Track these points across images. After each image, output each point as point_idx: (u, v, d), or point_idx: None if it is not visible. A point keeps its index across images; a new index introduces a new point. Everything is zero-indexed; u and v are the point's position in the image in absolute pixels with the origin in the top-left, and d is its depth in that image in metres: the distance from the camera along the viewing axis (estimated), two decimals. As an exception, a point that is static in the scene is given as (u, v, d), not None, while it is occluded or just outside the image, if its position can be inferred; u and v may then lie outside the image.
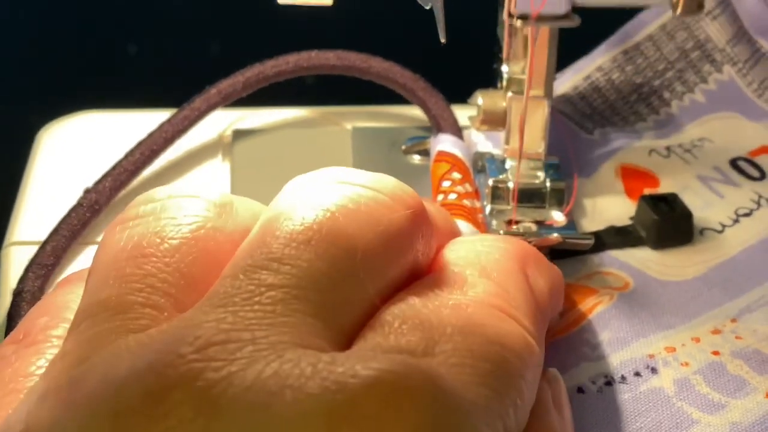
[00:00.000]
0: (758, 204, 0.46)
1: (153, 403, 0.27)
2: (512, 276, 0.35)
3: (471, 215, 0.44)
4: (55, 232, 0.46)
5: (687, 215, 0.45)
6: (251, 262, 0.31)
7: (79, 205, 0.47)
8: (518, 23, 0.41)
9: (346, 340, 0.31)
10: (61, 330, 0.35)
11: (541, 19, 0.41)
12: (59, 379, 0.29)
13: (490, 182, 0.45)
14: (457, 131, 0.50)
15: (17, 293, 0.43)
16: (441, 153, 0.48)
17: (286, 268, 0.30)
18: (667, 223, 0.44)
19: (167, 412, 0.27)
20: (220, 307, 0.29)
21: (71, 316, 0.35)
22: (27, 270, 0.44)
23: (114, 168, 0.49)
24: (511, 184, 0.45)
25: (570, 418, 0.35)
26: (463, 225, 0.43)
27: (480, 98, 0.46)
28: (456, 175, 0.46)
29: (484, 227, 0.44)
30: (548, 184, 0.45)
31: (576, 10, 0.42)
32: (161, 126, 0.50)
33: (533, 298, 0.35)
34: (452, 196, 0.45)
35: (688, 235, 0.45)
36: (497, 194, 0.45)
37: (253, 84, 0.51)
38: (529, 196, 0.45)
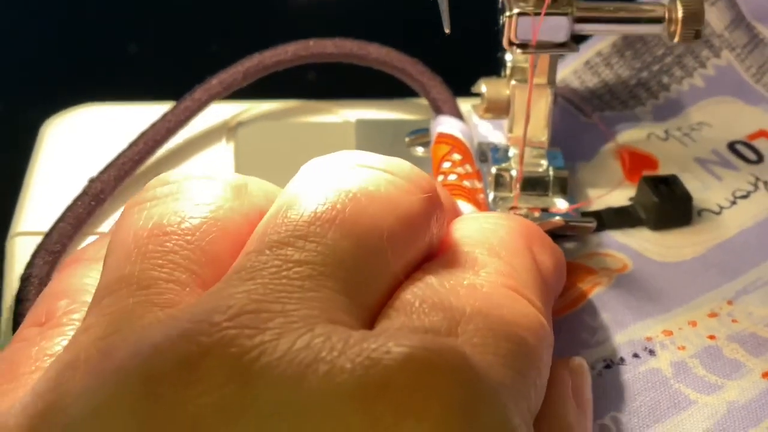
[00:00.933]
0: (756, 186, 0.47)
1: (186, 369, 0.27)
2: (520, 254, 0.35)
3: (471, 195, 0.45)
4: (61, 219, 0.46)
5: (687, 197, 0.45)
6: (276, 238, 0.31)
7: (84, 193, 0.48)
8: (518, 51, 0.41)
9: (370, 318, 0.31)
10: (82, 314, 0.35)
11: (541, 46, 0.41)
12: (88, 350, 0.29)
13: (493, 170, 0.45)
14: (457, 113, 0.50)
15: (25, 278, 0.43)
16: (441, 135, 0.48)
17: (312, 246, 0.31)
18: (667, 205, 0.45)
19: (200, 377, 0.27)
20: (249, 280, 0.30)
21: (89, 299, 0.36)
22: (34, 256, 0.45)
23: (118, 158, 0.49)
24: (514, 172, 0.45)
25: (590, 414, 0.36)
26: (463, 205, 0.44)
27: (483, 86, 0.46)
28: (456, 156, 0.47)
29: (485, 207, 0.45)
30: (551, 172, 0.45)
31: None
32: (164, 116, 0.51)
33: (540, 276, 0.36)
34: (452, 177, 0.46)
35: (687, 217, 0.45)
36: (500, 182, 0.45)
37: (253, 74, 0.51)
38: (533, 184, 0.45)
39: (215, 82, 0.51)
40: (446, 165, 0.47)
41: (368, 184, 0.33)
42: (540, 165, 0.45)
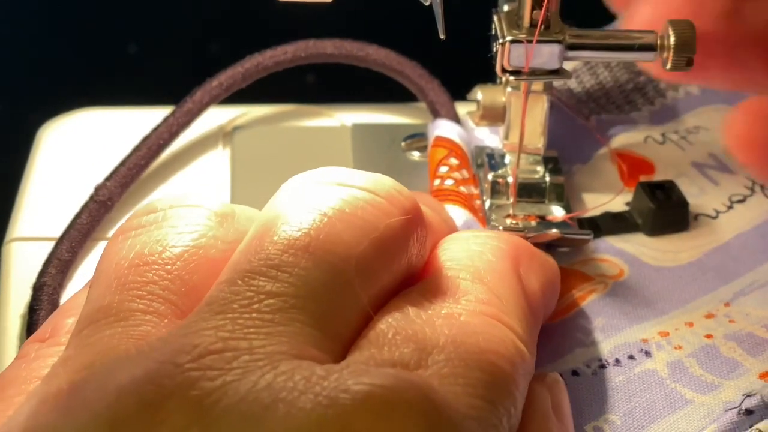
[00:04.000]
0: (752, 191, 0.48)
1: (149, 412, 0.28)
2: (505, 279, 0.35)
3: (467, 202, 0.45)
4: (71, 227, 0.47)
5: (683, 203, 0.46)
6: (249, 267, 0.32)
7: (91, 200, 0.48)
8: (511, 78, 0.42)
9: (342, 349, 0.31)
10: None
11: (534, 73, 0.42)
12: (60, 383, 0.30)
13: (490, 177, 0.45)
14: (455, 116, 0.51)
15: (38, 287, 0.44)
16: (438, 138, 0.49)
17: (284, 276, 0.31)
18: (664, 211, 0.46)
19: (162, 420, 0.28)
20: (219, 314, 0.30)
21: None
22: (46, 265, 0.45)
23: (123, 163, 0.50)
24: (510, 179, 0.45)
25: (571, 428, 0.36)
26: (458, 212, 0.44)
27: (479, 93, 0.47)
28: (453, 161, 0.47)
29: (480, 213, 0.45)
30: (547, 178, 0.45)
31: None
32: (166, 119, 0.51)
33: (525, 301, 0.36)
34: (448, 182, 0.46)
35: (684, 223, 0.46)
36: (497, 189, 0.46)
37: (252, 74, 0.52)
38: (529, 191, 0.45)
39: (215, 83, 0.51)
40: (443, 169, 0.47)
41: (345, 204, 0.33)
42: (536, 172, 0.46)
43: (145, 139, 0.51)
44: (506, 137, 0.46)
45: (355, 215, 0.33)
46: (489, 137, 0.50)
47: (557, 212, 0.45)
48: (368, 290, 0.32)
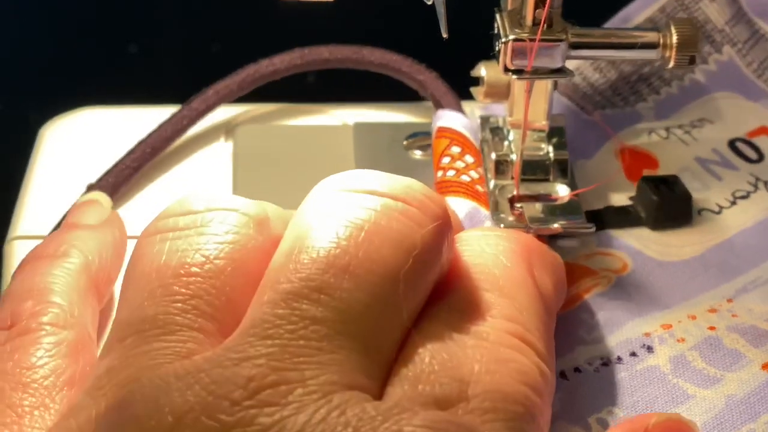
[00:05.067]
0: (755, 187, 0.48)
1: None
2: (523, 287, 0.36)
3: (470, 191, 0.45)
4: (59, 225, 0.46)
5: (687, 197, 0.46)
6: (290, 288, 0.32)
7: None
8: (513, 78, 0.42)
9: (385, 370, 0.32)
10: (51, 316, 0.36)
11: (536, 72, 0.42)
12: (108, 400, 0.31)
13: (493, 156, 0.45)
14: (456, 104, 0.51)
15: None
16: (440, 129, 0.49)
17: (327, 299, 0.32)
18: (667, 204, 0.46)
19: None
20: (267, 339, 0.31)
21: (57, 300, 0.37)
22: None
23: (116, 165, 0.50)
24: (514, 157, 0.45)
25: None
26: (461, 203, 0.45)
27: (483, 69, 0.47)
28: (455, 150, 0.47)
29: (483, 197, 0.45)
30: (552, 155, 0.45)
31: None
32: (161, 125, 0.52)
33: (542, 305, 0.36)
34: (450, 173, 0.46)
35: (687, 217, 0.46)
36: (500, 169, 0.46)
37: (249, 83, 0.52)
38: (533, 168, 0.46)
39: (211, 92, 0.52)
40: (445, 160, 0.47)
41: (380, 217, 0.33)
42: (540, 149, 0.46)
43: (140, 143, 0.51)
44: (510, 114, 0.46)
45: (391, 228, 0.33)
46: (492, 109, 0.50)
47: (562, 191, 0.45)
48: (408, 306, 0.33)
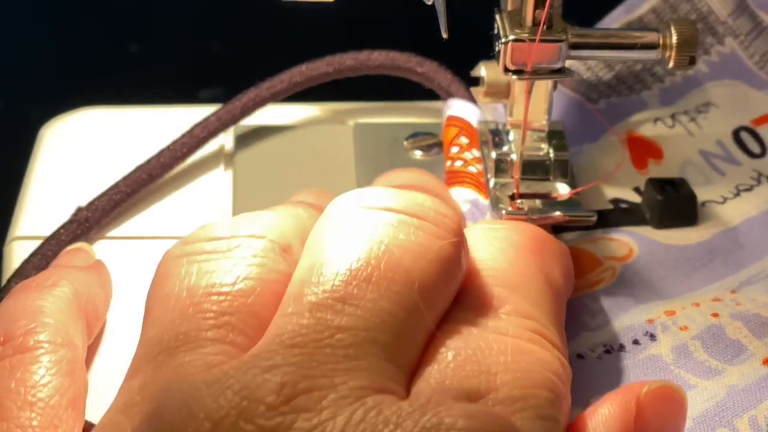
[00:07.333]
0: (758, 181, 0.48)
1: None
2: (533, 281, 0.37)
3: (477, 182, 0.46)
4: (42, 246, 0.46)
5: (692, 197, 0.46)
6: (315, 300, 0.33)
7: (69, 222, 0.47)
8: (513, 78, 0.42)
9: (410, 376, 0.33)
10: (47, 334, 0.37)
11: (536, 72, 0.42)
12: (142, 413, 0.31)
13: (493, 155, 0.46)
14: (465, 93, 0.51)
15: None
16: (450, 118, 0.50)
17: (351, 309, 0.32)
18: (671, 204, 0.46)
19: None
20: (294, 347, 0.31)
21: (50, 320, 0.37)
22: (9, 282, 0.44)
23: (110, 189, 0.49)
24: (514, 157, 0.45)
25: None
26: (467, 193, 0.45)
27: (483, 69, 0.47)
28: (463, 140, 0.48)
29: (485, 189, 0.46)
30: (552, 155, 0.45)
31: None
32: (160, 152, 0.51)
33: (553, 295, 0.37)
34: (458, 164, 0.47)
35: (692, 218, 0.46)
36: (501, 168, 0.46)
37: (250, 108, 0.52)
38: (533, 168, 0.46)
39: (213, 119, 0.51)
40: (454, 150, 0.48)
41: (398, 232, 0.34)
42: (540, 149, 0.46)
43: (137, 168, 0.50)
44: (510, 114, 0.46)
45: (411, 241, 0.34)
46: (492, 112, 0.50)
47: (562, 189, 0.46)
48: (432, 313, 0.34)
